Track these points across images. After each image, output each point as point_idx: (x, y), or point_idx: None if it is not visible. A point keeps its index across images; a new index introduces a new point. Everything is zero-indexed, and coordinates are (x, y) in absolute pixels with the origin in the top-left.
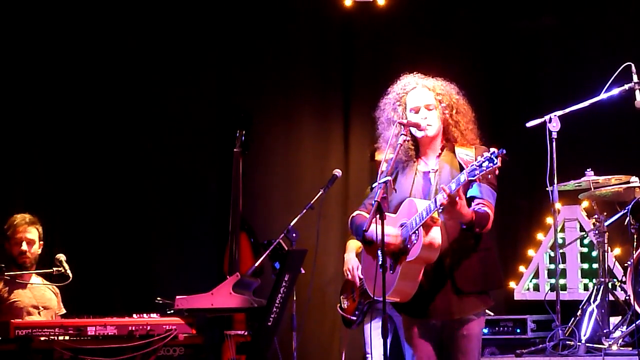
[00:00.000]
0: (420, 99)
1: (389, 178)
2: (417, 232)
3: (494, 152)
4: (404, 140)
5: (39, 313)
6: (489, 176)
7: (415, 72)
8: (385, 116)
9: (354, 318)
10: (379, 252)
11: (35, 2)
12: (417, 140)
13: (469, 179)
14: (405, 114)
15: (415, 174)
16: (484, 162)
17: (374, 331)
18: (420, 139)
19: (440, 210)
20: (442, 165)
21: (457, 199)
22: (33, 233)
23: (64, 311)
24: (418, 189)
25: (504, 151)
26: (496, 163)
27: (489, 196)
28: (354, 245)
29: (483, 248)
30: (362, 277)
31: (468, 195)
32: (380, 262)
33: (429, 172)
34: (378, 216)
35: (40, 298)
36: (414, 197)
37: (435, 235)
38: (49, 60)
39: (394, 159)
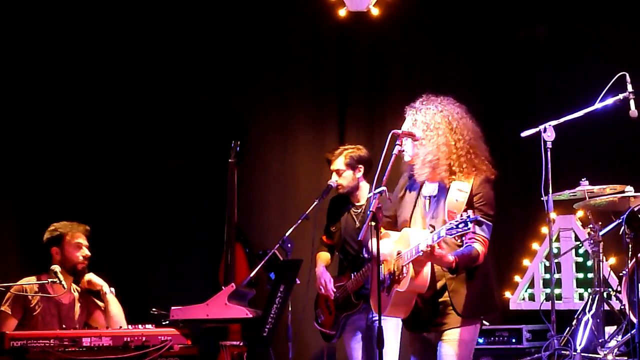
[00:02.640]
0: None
1: (383, 188)
2: (407, 265)
3: (469, 217)
4: (399, 151)
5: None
6: (484, 208)
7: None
8: None
9: (333, 332)
10: (382, 267)
11: (32, 13)
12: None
13: (447, 236)
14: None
15: (418, 196)
16: (460, 223)
17: (355, 344)
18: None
19: (420, 253)
20: (439, 193)
21: (438, 248)
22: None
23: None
24: (418, 211)
25: (478, 217)
26: (469, 228)
27: (483, 230)
28: (324, 257)
29: (480, 275)
30: (335, 290)
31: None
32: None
33: (427, 198)
34: (373, 225)
35: (65, 316)
36: (414, 220)
37: (425, 271)
38: (47, 67)
39: (389, 169)
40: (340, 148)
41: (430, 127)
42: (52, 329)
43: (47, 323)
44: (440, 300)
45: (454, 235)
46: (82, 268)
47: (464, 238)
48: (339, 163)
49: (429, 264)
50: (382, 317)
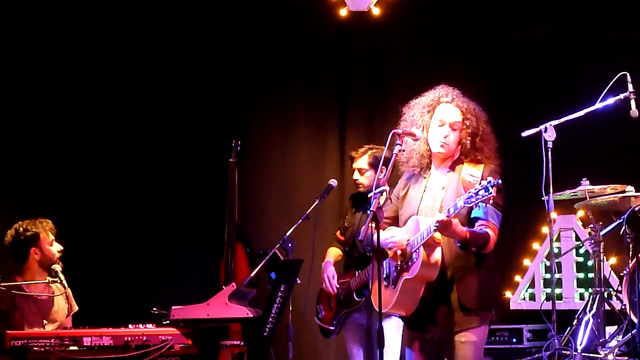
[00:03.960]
0: (448, 115)
1: (385, 187)
2: (417, 250)
3: (490, 181)
4: (399, 150)
5: (43, 326)
6: (490, 201)
7: (454, 88)
8: (410, 115)
9: (332, 328)
10: (386, 262)
11: (32, 13)
12: (431, 153)
13: (465, 205)
14: (430, 122)
15: (425, 189)
16: (480, 190)
17: (356, 344)
18: (434, 154)
19: (435, 228)
20: (450, 182)
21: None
22: None
23: (76, 308)
24: (426, 204)
25: (499, 182)
26: (491, 192)
27: (492, 217)
28: (333, 252)
29: (486, 266)
30: (338, 286)
31: (472, 216)
32: (377, 268)
33: (437, 189)
34: (374, 225)
35: (46, 310)
36: (421, 213)
37: (435, 254)
38: (47, 67)
39: (389, 168)
40: (364, 147)
41: (470, 112)
42: (37, 326)
43: (30, 322)
44: (448, 296)
45: (473, 204)
46: (58, 263)
47: (475, 226)
48: (362, 162)
49: (439, 249)
50: (385, 317)
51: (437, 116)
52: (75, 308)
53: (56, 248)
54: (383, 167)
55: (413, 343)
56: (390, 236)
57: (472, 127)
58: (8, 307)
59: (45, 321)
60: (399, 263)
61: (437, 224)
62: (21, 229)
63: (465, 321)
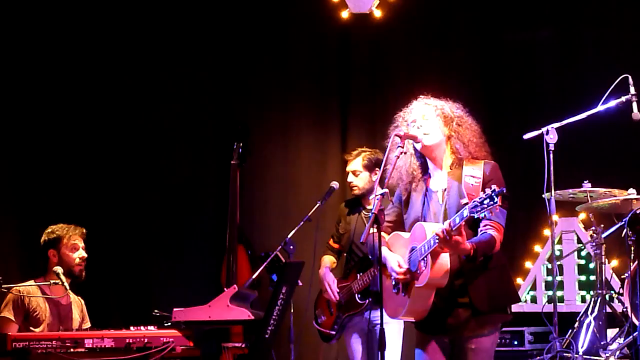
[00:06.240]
0: (417, 112)
1: (386, 190)
2: (425, 258)
3: (494, 190)
4: (401, 152)
5: (58, 329)
6: (497, 209)
7: (420, 96)
8: (390, 140)
9: (333, 332)
10: (392, 266)
11: (32, 14)
12: (424, 155)
13: (471, 215)
14: (408, 131)
15: (426, 193)
16: (485, 199)
17: (357, 346)
18: (424, 152)
19: (436, 241)
20: (450, 183)
21: (455, 235)
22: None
23: (88, 324)
24: (428, 209)
25: (504, 190)
26: (496, 202)
27: (498, 216)
28: (328, 259)
29: (495, 266)
30: (338, 291)
31: (476, 216)
32: (378, 271)
33: (438, 191)
34: (376, 227)
35: (64, 315)
36: (425, 218)
37: (444, 262)
38: (50, 70)
39: (391, 170)
40: (358, 149)
41: (440, 102)
42: (55, 329)
43: (50, 323)
44: (460, 300)
45: (478, 214)
46: (80, 270)
47: (480, 227)
48: (356, 164)
49: (447, 255)
50: (387, 321)
51: (409, 120)
52: (88, 324)
53: (78, 255)
54: (377, 169)
55: (425, 345)
56: (391, 260)
57: (444, 112)
58: (33, 307)
59: (61, 327)
60: (407, 269)
61: (437, 238)
62: (49, 230)
63: (478, 325)
